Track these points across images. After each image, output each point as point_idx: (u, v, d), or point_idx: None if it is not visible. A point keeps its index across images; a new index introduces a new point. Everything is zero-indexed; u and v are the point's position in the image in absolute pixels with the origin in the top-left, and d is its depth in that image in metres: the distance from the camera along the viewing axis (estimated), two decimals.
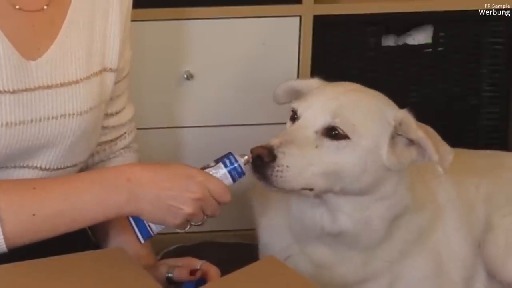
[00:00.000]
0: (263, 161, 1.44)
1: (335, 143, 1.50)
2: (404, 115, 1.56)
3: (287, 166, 1.45)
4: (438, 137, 1.55)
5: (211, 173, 1.38)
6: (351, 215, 1.55)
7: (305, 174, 1.47)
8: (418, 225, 1.66)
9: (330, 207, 1.55)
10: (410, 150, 1.55)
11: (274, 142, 1.48)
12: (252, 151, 1.45)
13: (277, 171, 1.44)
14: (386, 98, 1.60)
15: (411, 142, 1.55)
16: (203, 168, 1.39)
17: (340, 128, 1.50)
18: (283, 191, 1.50)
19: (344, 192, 1.52)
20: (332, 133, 1.51)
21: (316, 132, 1.51)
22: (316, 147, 1.50)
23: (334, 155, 1.50)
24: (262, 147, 1.46)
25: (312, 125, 1.52)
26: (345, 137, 1.50)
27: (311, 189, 1.49)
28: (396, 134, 1.55)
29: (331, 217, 1.56)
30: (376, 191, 1.54)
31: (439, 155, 1.51)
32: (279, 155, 1.45)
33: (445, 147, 1.55)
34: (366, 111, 1.55)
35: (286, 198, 1.63)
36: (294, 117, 1.57)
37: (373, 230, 1.57)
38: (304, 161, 1.47)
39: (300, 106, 1.56)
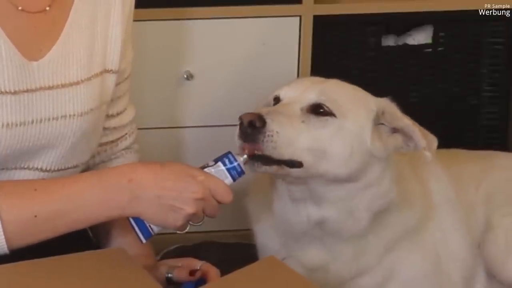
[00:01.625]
0: (254, 128, 1.44)
1: (321, 119, 1.51)
2: (387, 103, 1.57)
3: (277, 132, 1.45)
4: (420, 126, 1.56)
5: (210, 172, 1.38)
6: (335, 203, 1.56)
7: (294, 145, 1.47)
8: (405, 224, 1.66)
9: (315, 196, 1.55)
10: (395, 136, 1.56)
11: (263, 110, 1.49)
12: (242, 118, 1.46)
13: (268, 136, 1.45)
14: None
15: (395, 130, 1.57)
16: (202, 168, 1.39)
17: (326, 106, 1.52)
18: (271, 169, 1.48)
19: (331, 177, 1.52)
20: (318, 110, 1.52)
21: (302, 109, 1.52)
22: (303, 122, 1.50)
23: (320, 132, 1.51)
24: (252, 113, 1.46)
25: (298, 103, 1.53)
26: (331, 114, 1.52)
27: (300, 164, 1.49)
28: (378, 122, 1.56)
29: (315, 206, 1.56)
30: (361, 178, 1.55)
31: (427, 141, 1.52)
32: (268, 121, 1.45)
33: (430, 135, 1.56)
34: (349, 96, 1.57)
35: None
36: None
37: (357, 220, 1.57)
38: (292, 131, 1.48)
39: (282, 91, 1.58)
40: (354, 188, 1.55)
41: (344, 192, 1.55)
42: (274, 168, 1.48)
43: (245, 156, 1.43)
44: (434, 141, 1.55)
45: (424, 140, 1.52)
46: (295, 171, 1.49)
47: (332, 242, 1.60)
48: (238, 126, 1.46)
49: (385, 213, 1.60)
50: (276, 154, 1.46)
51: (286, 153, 1.47)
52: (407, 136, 1.55)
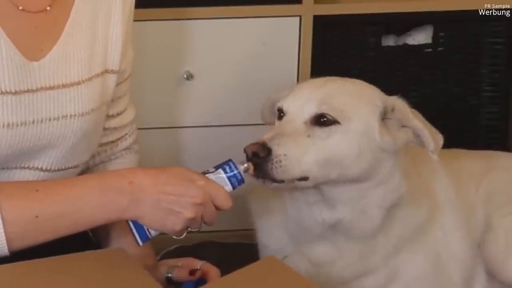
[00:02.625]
0: (259, 157, 1.44)
1: (325, 129, 1.51)
2: (397, 102, 1.56)
3: (285, 155, 1.45)
4: (428, 123, 1.56)
5: (210, 178, 1.38)
6: (348, 204, 1.55)
7: (302, 162, 1.47)
8: (414, 222, 1.66)
9: (328, 198, 1.55)
10: (405, 131, 1.56)
11: (266, 136, 1.49)
12: (246, 150, 1.45)
13: (276, 162, 1.44)
14: (370, 84, 1.61)
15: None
16: (203, 174, 1.39)
17: (328, 114, 1.51)
18: (281, 185, 1.48)
19: (342, 180, 1.52)
20: (321, 120, 1.51)
21: (305, 123, 1.52)
22: (308, 136, 1.50)
23: (327, 142, 1.50)
24: (254, 143, 1.46)
25: (300, 117, 1.53)
26: (334, 122, 1.51)
27: (306, 178, 1.49)
28: (385, 117, 1.56)
29: (329, 208, 1.56)
30: (374, 176, 1.55)
31: (434, 142, 1.52)
32: (274, 147, 1.45)
33: (437, 134, 1.56)
34: (351, 95, 1.57)
35: (282, 200, 1.63)
36: (281, 116, 1.57)
37: (370, 218, 1.57)
38: (299, 150, 1.47)
39: (284, 103, 1.57)
40: (366, 187, 1.55)
41: (356, 192, 1.55)
42: (283, 184, 1.48)
43: (246, 165, 1.43)
44: (440, 140, 1.55)
45: (433, 142, 1.52)
46: (304, 184, 1.50)
47: (342, 241, 1.60)
48: (245, 158, 1.45)
49: (395, 209, 1.60)
50: (287, 177, 1.46)
51: (296, 173, 1.47)
52: (416, 134, 1.55)
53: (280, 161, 1.45)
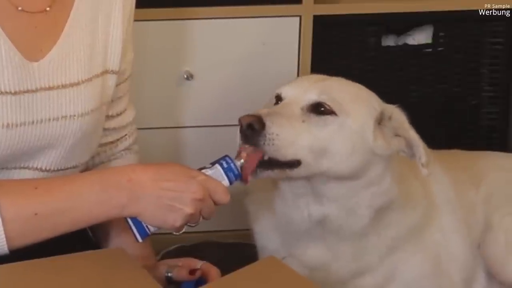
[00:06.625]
0: (254, 130, 1.44)
1: (322, 118, 1.51)
2: (396, 111, 1.57)
3: (277, 135, 1.45)
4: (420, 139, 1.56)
5: (208, 174, 1.38)
6: (336, 201, 1.56)
7: (294, 145, 1.47)
8: (408, 223, 1.66)
9: (316, 193, 1.55)
10: (398, 140, 1.56)
11: (262, 111, 1.49)
12: (241, 120, 1.45)
13: (269, 139, 1.45)
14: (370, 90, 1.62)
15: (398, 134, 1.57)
16: (200, 170, 1.39)
17: (327, 104, 1.52)
18: (274, 173, 1.49)
19: (332, 175, 1.52)
20: (318, 109, 1.52)
21: (302, 109, 1.52)
22: (303, 121, 1.50)
23: (321, 131, 1.50)
24: (251, 115, 1.46)
25: (298, 102, 1.53)
26: (331, 113, 1.51)
27: (298, 162, 1.49)
28: (381, 123, 1.56)
29: (317, 203, 1.56)
30: (363, 176, 1.55)
31: (427, 157, 1.52)
32: (268, 123, 1.45)
33: (428, 149, 1.55)
34: (350, 94, 1.57)
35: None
36: (278, 103, 1.57)
37: (358, 217, 1.57)
38: (292, 132, 1.48)
39: (284, 89, 1.58)
40: (356, 186, 1.55)
41: (345, 190, 1.55)
42: (275, 173, 1.48)
43: (242, 160, 1.43)
44: (431, 156, 1.55)
45: (426, 156, 1.52)
46: (296, 172, 1.49)
47: (333, 241, 1.60)
48: (239, 129, 1.46)
49: (387, 212, 1.60)
50: (279, 156, 1.46)
51: (288, 154, 1.47)
52: (409, 145, 1.55)
53: (273, 140, 1.45)
